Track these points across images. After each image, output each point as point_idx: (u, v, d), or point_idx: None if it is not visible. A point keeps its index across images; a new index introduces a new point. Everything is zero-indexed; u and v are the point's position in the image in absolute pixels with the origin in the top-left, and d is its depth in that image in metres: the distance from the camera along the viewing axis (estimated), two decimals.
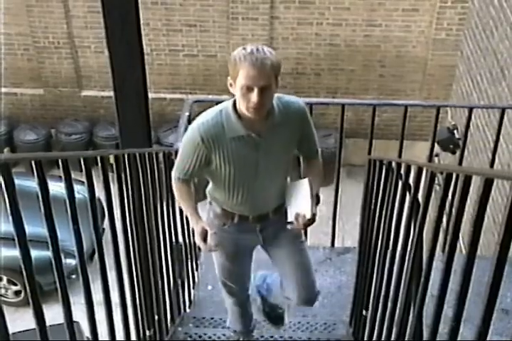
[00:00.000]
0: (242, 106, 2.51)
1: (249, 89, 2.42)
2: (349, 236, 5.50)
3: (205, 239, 2.67)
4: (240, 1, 8.91)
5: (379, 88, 9.50)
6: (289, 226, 2.66)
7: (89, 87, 9.86)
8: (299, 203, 2.65)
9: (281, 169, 2.80)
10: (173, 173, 2.81)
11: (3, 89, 9.82)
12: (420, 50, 9.17)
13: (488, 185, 1.57)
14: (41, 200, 1.83)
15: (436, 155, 7.11)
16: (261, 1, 8.91)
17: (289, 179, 2.87)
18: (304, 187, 2.66)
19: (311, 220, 2.63)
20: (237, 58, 2.41)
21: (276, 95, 2.61)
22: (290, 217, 2.64)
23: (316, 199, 2.69)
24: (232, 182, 2.73)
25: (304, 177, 2.75)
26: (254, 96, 2.43)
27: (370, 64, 9.36)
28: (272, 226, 2.94)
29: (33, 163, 1.79)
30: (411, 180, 2.54)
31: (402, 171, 2.77)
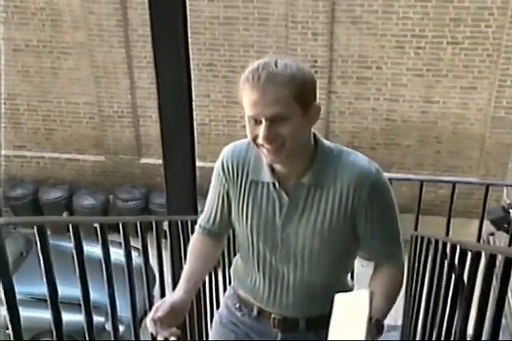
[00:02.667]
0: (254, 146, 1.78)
1: (256, 121, 1.71)
2: (399, 312, 5.34)
3: (158, 321, 1.77)
4: None
5: (435, 164, 9.44)
6: None
7: (148, 155, 10.12)
8: (348, 327, 1.55)
9: (322, 255, 1.89)
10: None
11: (67, 155, 10.19)
12: (478, 127, 9.13)
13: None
14: (77, 264, 1.87)
15: (492, 234, 6.94)
16: (319, 76, 9.09)
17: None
18: (360, 302, 1.57)
19: None
20: (242, 78, 1.71)
21: (342, 148, 1.84)
22: None
23: (375, 329, 1.65)
24: (248, 243, 1.97)
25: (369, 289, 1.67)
26: (261, 130, 1.70)
27: (426, 140, 9.34)
28: None
29: (70, 226, 1.84)
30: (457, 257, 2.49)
31: (448, 250, 2.70)
